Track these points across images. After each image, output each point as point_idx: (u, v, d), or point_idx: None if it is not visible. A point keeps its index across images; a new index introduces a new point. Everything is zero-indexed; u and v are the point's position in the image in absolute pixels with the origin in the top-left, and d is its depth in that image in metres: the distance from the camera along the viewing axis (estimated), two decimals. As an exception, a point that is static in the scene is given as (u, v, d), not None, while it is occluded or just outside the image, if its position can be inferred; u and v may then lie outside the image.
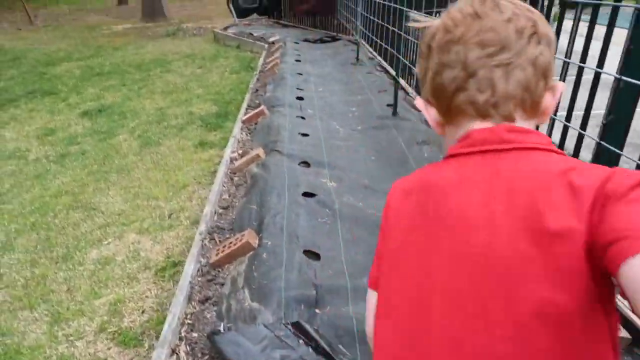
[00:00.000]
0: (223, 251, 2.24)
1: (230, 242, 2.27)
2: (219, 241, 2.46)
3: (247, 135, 4.08)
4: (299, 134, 3.63)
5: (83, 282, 2.64)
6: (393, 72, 4.17)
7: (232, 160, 3.51)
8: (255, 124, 4.23)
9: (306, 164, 3.18)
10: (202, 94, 6.21)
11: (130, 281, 2.61)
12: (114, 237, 3.05)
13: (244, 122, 4.28)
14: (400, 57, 4.02)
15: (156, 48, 9.98)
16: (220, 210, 2.80)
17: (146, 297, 2.48)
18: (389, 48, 4.70)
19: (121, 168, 4.09)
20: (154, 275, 2.64)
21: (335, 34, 8.80)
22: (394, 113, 4.09)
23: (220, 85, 6.59)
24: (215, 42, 10.16)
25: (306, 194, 2.65)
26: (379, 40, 5.27)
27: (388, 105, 4.39)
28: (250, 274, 1.97)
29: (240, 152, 3.66)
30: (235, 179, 3.22)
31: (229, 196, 3.00)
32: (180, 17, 15.15)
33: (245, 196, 2.84)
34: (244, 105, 4.79)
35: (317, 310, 1.82)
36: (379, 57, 6.19)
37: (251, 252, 2.18)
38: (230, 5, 11.68)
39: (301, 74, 5.60)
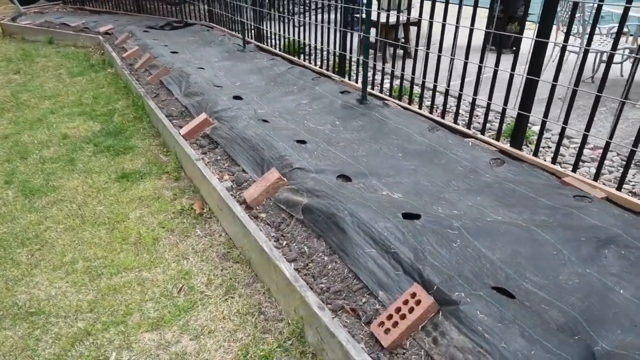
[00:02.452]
0: (396, 324, 1.59)
1: (397, 309, 1.63)
2: (351, 310, 1.76)
3: (201, 154, 3.13)
4: (295, 141, 2.92)
5: None
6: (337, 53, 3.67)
7: (228, 190, 2.62)
8: (205, 137, 3.29)
9: (345, 177, 2.57)
10: (56, 108, 4.61)
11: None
12: (116, 348, 1.95)
13: (185, 137, 3.28)
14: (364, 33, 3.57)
15: None
16: (292, 265, 2.03)
17: None
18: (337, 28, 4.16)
19: (23, 237, 2.70)
20: (248, 387, 1.78)
21: (181, 18, 7.61)
22: (363, 100, 3.67)
23: (73, 94, 5.01)
24: (7, 38, 7.72)
25: (406, 216, 2.10)
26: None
27: (342, 92, 3.93)
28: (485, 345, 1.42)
29: (227, 177, 2.77)
30: (263, 215, 2.40)
31: (278, 241, 2.21)
32: None
33: (320, 238, 2.12)
34: (160, 115, 3.68)
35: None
36: (260, 44, 5.59)
37: (436, 315, 1.60)
38: (8, -10, 9.06)
39: (203, 68, 4.60)
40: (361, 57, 4.51)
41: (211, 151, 3.14)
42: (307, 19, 4.92)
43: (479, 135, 3.23)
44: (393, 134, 3.10)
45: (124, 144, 3.76)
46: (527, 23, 6.09)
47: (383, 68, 4.13)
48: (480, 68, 3.17)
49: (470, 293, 1.64)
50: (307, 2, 5.13)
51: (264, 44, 5.97)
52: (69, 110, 4.55)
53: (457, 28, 3.22)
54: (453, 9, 3.27)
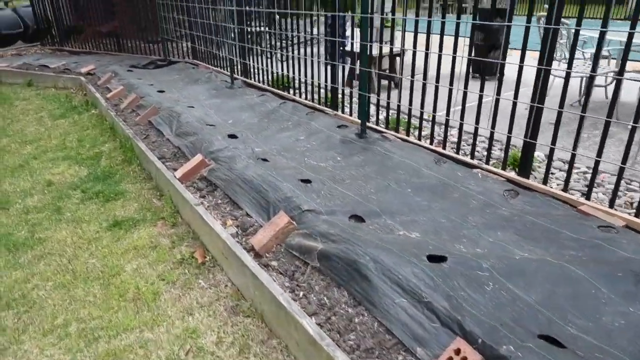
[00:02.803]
0: (442, 386, 1.44)
1: (441, 368, 1.47)
2: (386, 369, 1.59)
3: (200, 197, 2.97)
4: (299, 180, 2.79)
5: None
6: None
7: (233, 236, 2.45)
8: (202, 179, 3.13)
9: (358, 218, 2.43)
10: (39, 153, 4.41)
11: None
12: None
13: (181, 180, 3.12)
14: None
15: None
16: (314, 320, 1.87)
17: None
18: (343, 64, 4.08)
19: (8, 298, 2.47)
20: None
21: (164, 57, 7.53)
22: (362, 134, 3.58)
23: (55, 137, 4.81)
24: (-17, 82, 7.51)
25: (432, 259, 1.97)
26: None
27: (338, 126, 3.85)
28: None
29: (231, 223, 2.61)
30: (274, 263, 2.24)
31: (294, 292, 2.05)
32: None
33: (341, 287, 1.96)
34: (152, 157, 3.52)
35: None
36: (247, 80, 5.52)
37: (484, 371, 1.45)
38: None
39: (193, 107, 4.48)
40: (353, 90, 4.47)
41: (210, 194, 2.98)
42: (296, 52, 4.88)
43: (485, 166, 3.16)
44: (399, 168, 3.00)
45: (114, 189, 3.57)
46: (509, 50, 6.18)
47: (378, 100, 4.07)
48: (481, 97, 3.14)
49: (519, 345, 1.50)
50: (295, 36, 5.11)
51: (251, 79, 5.91)
52: (52, 154, 4.35)
53: (454, 58, 3.19)
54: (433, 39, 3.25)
